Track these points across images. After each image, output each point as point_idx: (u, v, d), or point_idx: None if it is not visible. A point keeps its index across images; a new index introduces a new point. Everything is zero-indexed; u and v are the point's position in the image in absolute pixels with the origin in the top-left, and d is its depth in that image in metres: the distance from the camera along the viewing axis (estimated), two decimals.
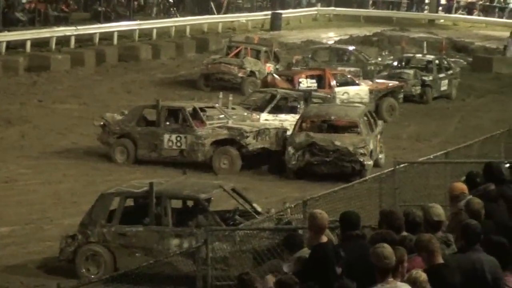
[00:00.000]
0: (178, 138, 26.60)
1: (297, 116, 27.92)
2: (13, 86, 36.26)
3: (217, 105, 28.69)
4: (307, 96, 29.45)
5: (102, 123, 27.16)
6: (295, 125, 26.58)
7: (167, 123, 26.96)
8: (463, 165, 17.84)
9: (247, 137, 26.46)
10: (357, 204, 16.83)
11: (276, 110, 29.14)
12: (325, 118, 27.09)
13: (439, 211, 10.58)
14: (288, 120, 28.08)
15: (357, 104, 31.62)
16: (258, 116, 28.51)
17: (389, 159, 21.72)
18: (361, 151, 25.15)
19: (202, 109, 27.52)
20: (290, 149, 25.67)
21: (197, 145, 26.55)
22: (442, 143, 28.45)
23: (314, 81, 31.96)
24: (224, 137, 26.73)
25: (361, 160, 25.09)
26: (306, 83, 31.06)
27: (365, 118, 26.87)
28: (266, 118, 28.10)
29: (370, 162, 25.16)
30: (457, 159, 19.68)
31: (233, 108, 29.66)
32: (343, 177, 23.38)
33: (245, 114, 29.02)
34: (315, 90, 31.10)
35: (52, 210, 22.28)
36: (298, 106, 29.23)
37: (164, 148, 26.63)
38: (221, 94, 30.93)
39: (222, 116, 27.60)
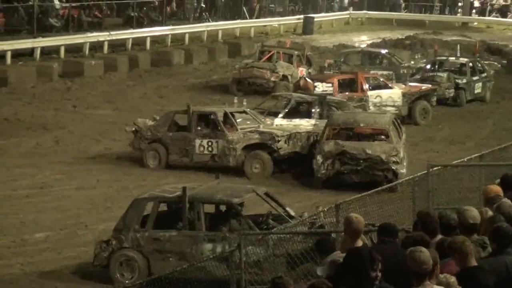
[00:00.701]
0: (210, 143, 26.51)
1: (312, 121, 27.74)
2: (48, 92, 36.38)
3: (248, 109, 28.51)
4: (322, 100, 29.25)
5: (133, 129, 27.16)
6: (323, 133, 26.04)
7: (198, 128, 26.91)
8: (497, 168, 17.63)
9: (279, 141, 26.36)
10: (390, 207, 16.75)
11: (291, 115, 28.72)
12: (354, 125, 26.55)
13: (474, 213, 10.48)
14: (303, 125, 27.53)
15: (388, 109, 31.66)
16: (271, 121, 28.20)
17: (423, 162, 21.53)
18: (394, 159, 24.67)
19: (232, 114, 27.41)
20: (319, 158, 25.11)
21: (229, 150, 26.45)
22: (476, 146, 28.27)
23: (330, 85, 31.53)
24: (256, 141, 26.63)
25: (394, 168, 24.59)
26: (321, 87, 30.73)
27: (394, 125, 26.45)
28: (280, 123, 27.73)
29: (403, 171, 24.55)
30: (492, 162, 19.49)
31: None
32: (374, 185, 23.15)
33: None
34: (330, 94, 30.79)
35: (87, 215, 22.32)
36: (313, 110, 28.98)
37: (196, 153, 26.55)
38: (235, 99, 30.64)
39: (253, 121, 27.48)
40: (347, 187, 23.71)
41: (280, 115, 28.48)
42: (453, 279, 9.03)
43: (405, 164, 25.19)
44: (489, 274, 9.20)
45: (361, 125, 26.46)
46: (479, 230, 10.66)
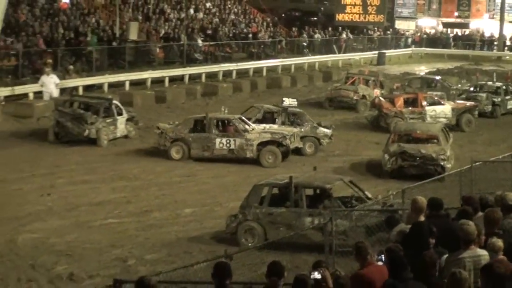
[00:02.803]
0: (228, 141, 26.38)
1: (275, 126, 27.68)
2: (193, 107, 36.68)
3: (242, 116, 27.87)
4: (283, 111, 28.68)
5: (160, 131, 26.85)
6: (389, 138, 25.98)
7: (215, 130, 26.55)
8: None
9: (287, 138, 26.32)
10: (443, 192, 16.55)
11: (261, 121, 28.34)
12: (412, 132, 26.38)
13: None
14: (272, 128, 27.35)
15: (441, 120, 31.37)
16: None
17: (467, 159, 21.29)
18: (442, 157, 24.54)
19: (225, 121, 27.13)
20: (386, 156, 24.97)
21: (246, 146, 26.25)
22: (509, 147, 27.71)
23: (295, 100, 30.45)
24: (268, 139, 26.44)
25: (442, 164, 24.46)
26: (288, 101, 29.87)
27: (442, 132, 26.33)
28: (256, 127, 27.32)
29: (449, 165, 24.38)
30: None
31: None
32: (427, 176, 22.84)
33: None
34: (294, 107, 29.62)
35: (220, 196, 22.43)
36: (277, 118, 28.51)
37: (216, 148, 26.37)
38: (223, 108, 29.84)
39: (249, 124, 27.15)
40: (407, 177, 23.47)
41: (251, 121, 27.92)
42: (499, 243, 8.98)
43: (451, 161, 24.97)
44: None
45: (418, 132, 26.32)
46: None
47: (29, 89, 34.74)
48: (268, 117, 28.77)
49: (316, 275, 8.18)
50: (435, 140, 25.64)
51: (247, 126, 26.80)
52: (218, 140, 26.44)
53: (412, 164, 24.88)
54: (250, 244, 17.37)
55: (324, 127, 28.49)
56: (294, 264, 13.38)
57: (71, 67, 38.04)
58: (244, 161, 26.47)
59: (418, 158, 24.83)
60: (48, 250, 17.50)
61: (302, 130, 27.81)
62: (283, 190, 18.52)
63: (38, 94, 34.32)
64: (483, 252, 8.63)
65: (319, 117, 34.89)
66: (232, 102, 38.36)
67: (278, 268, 8.50)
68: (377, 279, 8.30)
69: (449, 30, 67.03)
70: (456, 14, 67.13)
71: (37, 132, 29.55)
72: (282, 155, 26.43)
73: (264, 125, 27.72)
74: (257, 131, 26.72)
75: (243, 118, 27.56)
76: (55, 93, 34.03)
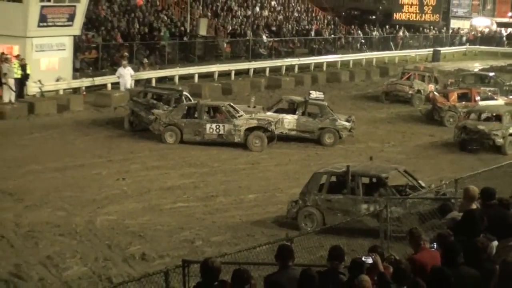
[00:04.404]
0: (218, 126, 26.37)
1: (295, 116, 27.78)
2: (258, 98, 36.63)
3: (231, 103, 27.94)
4: (304, 103, 28.26)
5: (154, 117, 26.85)
6: (464, 116, 29.19)
7: (205, 116, 26.57)
8: None
9: (272, 124, 26.28)
10: (495, 182, 16.29)
11: (284, 111, 28.23)
12: (483, 112, 28.54)
13: None
14: (259, 114, 27.51)
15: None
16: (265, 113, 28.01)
17: None
18: (494, 132, 26.71)
19: (218, 107, 27.13)
20: (456, 130, 27.63)
21: (234, 131, 26.25)
22: None
23: (322, 93, 30.07)
24: (255, 125, 26.40)
25: (493, 138, 26.76)
26: (315, 94, 29.28)
27: (509, 113, 27.80)
28: (269, 114, 27.73)
29: (501, 140, 26.78)
30: None
31: (254, 107, 29.06)
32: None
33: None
34: (321, 99, 28.99)
35: (282, 183, 22.42)
36: (297, 109, 28.12)
37: (206, 133, 26.38)
38: (252, 98, 30.19)
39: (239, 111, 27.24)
40: (467, 168, 23.08)
41: (272, 110, 28.21)
42: None
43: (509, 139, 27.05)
44: None
45: (486, 111, 28.69)
46: None
47: (108, 80, 35.34)
48: (291, 108, 28.61)
49: (368, 260, 8.20)
50: (498, 120, 27.42)
51: (235, 113, 26.86)
52: (208, 125, 26.49)
53: (472, 138, 26.99)
54: (309, 229, 17.34)
55: (346, 120, 28.13)
56: (350, 248, 13.27)
57: (146, 60, 38.56)
58: (304, 149, 26.49)
59: (475, 133, 26.94)
60: (123, 231, 17.74)
61: (317, 121, 27.75)
62: (341, 178, 18.44)
63: (116, 85, 34.84)
64: None
65: (375, 110, 34.71)
66: (295, 95, 38.38)
67: (339, 252, 8.56)
68: (430, 263, 8.28)
69: (502, 29, 65.77)
70: (510, 14, 66.04)
71: (114, 121, 29.93)
72: (268, 140, 26.51)
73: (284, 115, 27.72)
74: (245, 117, 26.81)
75: (232, 105, 27.64)
76: (130, 84, 34.43)
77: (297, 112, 28.10)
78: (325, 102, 29.14)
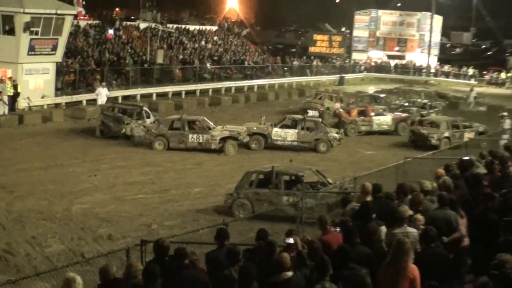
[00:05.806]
0: (198, 136, 26.16)
1: (296, 130, 27.48)
2: (201, 113, 36.27)
3: (204, 118, 27.56)
4: (303, 120, 28.05)
5: (146, 129, 26.61)
6: (416, 123, 29.60)
7: (187, 128, 26.29)
8: None
9: (241, 134, 26.22)
10: (383, 180, 15.88)
11: (287, 127, 27.87)
12: (427, 120, 30.03)
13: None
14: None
15: (383, 127, 31.41)
16: (272, 128, 27.76)
17: (402, 155, 20.99)
18: (431, 135, 27.71)
19: (194, 121, 26.79)
20: (409, 133, 29.22)
21: (211, 140, 26.09)
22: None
23: (317, 112, 31.04)
24: (227, 135, 26.29)
25: (430, 139, 27.77)
26: (311, 113, 30.44)
27: (446, 122, 28.58)
28: (275, 131, 27.59)
29: (435, 141, 27.42)
30: None
31: (264, 123, 28.42)
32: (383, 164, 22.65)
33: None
34: (316, 117, 29.83)
35: (221, 180, 22.30)
36: (297, 125, 27.78)
37: (189, 142, 26.13)
38: (263, 117, 29.52)
39: (210, 123, 27.01)
40: (364, 168, 23.10)
41: (278, 126, 28.00)
42: (420, 217, 8.89)
43: (443, 141, 27.65)
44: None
45: (429, 119, 30.06)
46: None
47: (83, 97, 34.95)
48: (293, 124, 28.41)
49: (290, 240, 8.19)
50: (437, 126, 28.39)
51: (210, 125, 26.65)
52: (190, 135, 26.21)
53: (417, 138, 28.21)
54: (241, 216, 17.35)
55: (336, 133, 28.05)
56: (274, 231, 13.28)
57: (114, 82, 38.19)
58: (240, 153, 26.40)
59: (419, 135, 28.26)
60: (94, 217, 17.55)
61: (313, 133, 27.53)
62: (267, 176, 18.47)
63: (90, 101, 34.28)
64: (412, 230, 8.60)
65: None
66: (231, 111, 38.37)
67: (264, 234, 8.55)
68: (334, 243, 8.31)
69: (391, 60, 66.82)
70: (396, 48, 67.15)
71: (88, 130, 29.54)
72: (238, 146, 26.38)
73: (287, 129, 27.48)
74: (219, 129, 26.58)
75: (206, 119, 27.30)
76: (104, 101, 34.04)
77: (297, 127, 27.95)
78: (319, 119, 29.39)
